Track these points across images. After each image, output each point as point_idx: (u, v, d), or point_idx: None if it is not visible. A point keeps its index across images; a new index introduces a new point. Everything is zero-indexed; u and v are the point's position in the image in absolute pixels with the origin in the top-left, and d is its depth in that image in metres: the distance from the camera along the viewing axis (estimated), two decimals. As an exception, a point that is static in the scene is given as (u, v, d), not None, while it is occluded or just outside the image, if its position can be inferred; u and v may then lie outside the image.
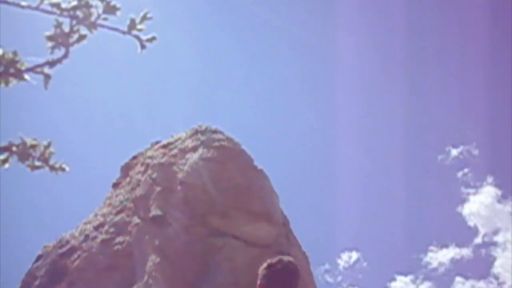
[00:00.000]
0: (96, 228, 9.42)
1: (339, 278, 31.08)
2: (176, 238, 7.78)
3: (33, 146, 3.67)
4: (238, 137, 11.12)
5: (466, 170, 33.70)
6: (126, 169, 11.14)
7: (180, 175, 8.99)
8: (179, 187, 8.87)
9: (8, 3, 3.23)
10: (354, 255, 31.13)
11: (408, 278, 30.40)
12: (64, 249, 8.60)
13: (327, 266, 30.24)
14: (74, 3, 3.29)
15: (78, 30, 3.37)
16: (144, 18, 3.39)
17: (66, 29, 3.34)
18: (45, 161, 3.71)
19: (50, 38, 3.33)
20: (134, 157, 11.34)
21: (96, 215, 10.13)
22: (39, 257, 9.52)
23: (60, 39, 3.33)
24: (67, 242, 9.20)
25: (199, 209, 8.68)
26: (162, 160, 9.64)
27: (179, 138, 10.31)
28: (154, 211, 8.53)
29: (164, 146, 10.36)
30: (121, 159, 13.31)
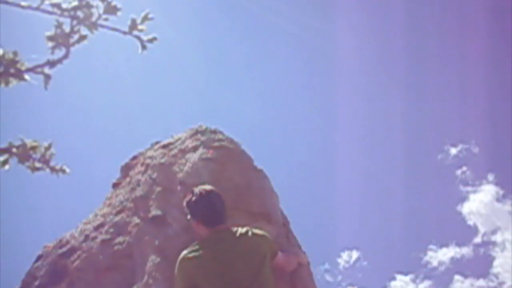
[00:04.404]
0: (96, 228, 9.44)
1: (339, 277, 31.08)
2: (176, 238, 7.78)
3: (33, 148, 3.65)
4: (238, 137, 11.12)
5: (465, 168, 33.68)
6: (126, 169, 11.15)
7: (180, 175, 9.02)
8: (179, 187, 8.90)
9: (9, 3, 3.23)
10: (354, 254, 31.13)
11: (408, 277, 30.42)
12: (64, 249, 8.60)
13: (327, 266, 30.25)
14: (75, 3, 3.29)
15: (78, 31, 3.37)
16: (145, 18, 3.39)
17: (67, 29, 3.34)
18: (46, 162, 3.69)
19: (50, 38, 3.33)
20: (134, 157, 11.34)
21: (96, 215, 10.16)
22: (39, 257, 9.54)
23: (61, 40, 3.33)
24: (67, 242, 9.22)
25: (199, 209, 8.72)
26: (162, 160, 9.67)
27: (179, 138, 10.33)
28: (154, 211, 8.55)
29: (164, 146, 10.37)
30: (121, 159, 13.30)
